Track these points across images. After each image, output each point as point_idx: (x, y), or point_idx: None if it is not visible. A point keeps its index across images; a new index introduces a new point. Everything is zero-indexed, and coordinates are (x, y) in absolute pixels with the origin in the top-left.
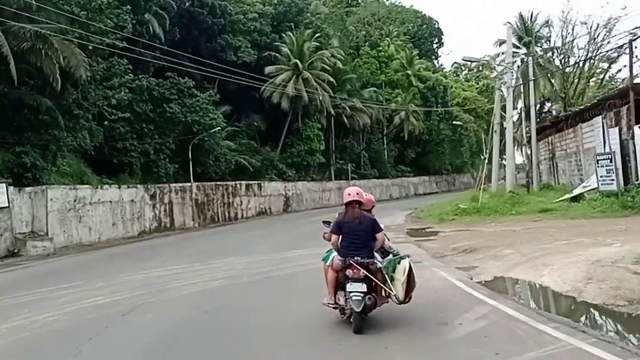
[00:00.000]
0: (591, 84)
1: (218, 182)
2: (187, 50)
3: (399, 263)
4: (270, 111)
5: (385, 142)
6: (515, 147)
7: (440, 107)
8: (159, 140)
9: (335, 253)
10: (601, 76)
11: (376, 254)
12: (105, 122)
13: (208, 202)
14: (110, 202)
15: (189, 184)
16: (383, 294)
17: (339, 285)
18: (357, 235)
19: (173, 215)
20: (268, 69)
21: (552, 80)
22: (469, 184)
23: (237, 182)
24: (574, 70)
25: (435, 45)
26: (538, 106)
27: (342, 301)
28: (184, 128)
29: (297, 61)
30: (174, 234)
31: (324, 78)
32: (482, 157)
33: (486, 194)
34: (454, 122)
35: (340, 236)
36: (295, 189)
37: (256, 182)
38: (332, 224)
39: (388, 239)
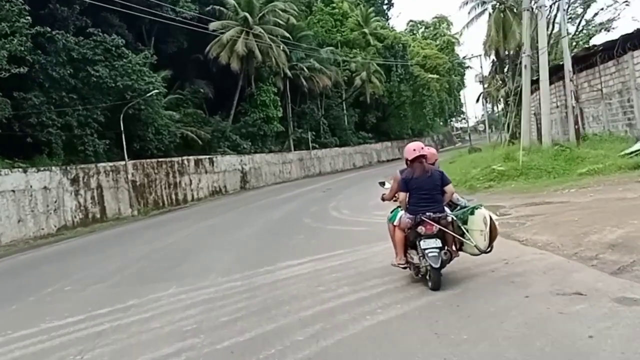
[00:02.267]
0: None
1: (160, 159)
2: (114, 5)
3: (471, 214)
4: (218, 75)
5: (344, 108)
6: (489, 102)
7: (400, 66)
8: (83, 111)
9: (402, 212)
10: (577, 21)
11: (445, 208)
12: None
13: (149, 184)
14: (13, 191)
15: (123, 163)
16: (454, 247)
17: (409, 243)
18: (426, 190)
19: (104, 203)
20: (213, 25)
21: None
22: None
23: (185, 157)
24: (549, 14)
25: (385, 7)
26: (512, 55)
27: (415, 260)
28: (115, 96)
29: (247, 14)
30: (104, 226)
31: (278, 33)
32: (512, 110)
33: (524, 152)
34: (430, 76)
35: (408, 193)
36: (253, 162)
37: (207, 156)
38: (399, 182)
39: None
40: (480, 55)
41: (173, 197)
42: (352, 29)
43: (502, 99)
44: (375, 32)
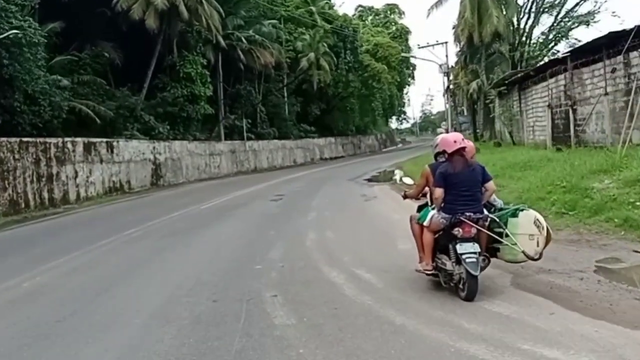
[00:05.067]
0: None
1: (26, 139)
2: None
3: (513, 216)
4: (129, 36)
5: (286, 95)
6: (459, 96)
7: (349, 53)
8: None
9: (434, 211)
10: (554, 12)
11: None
12: None
13: (3, 174)
14: None
15: None
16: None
17: (439, 247)
18: (467, 187)
19: None
20: None
21: (506, 12)
22: (373, 147)
23: (68, 139)
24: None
25: None
26: (486, 42)
27: (448, 265)
28: None
29: None
30: None
31: None
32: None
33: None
34: (403, 54)
35: (443, 190)
36: (170, 151)
37: (104, 140)
38: (428, 176)
39: None
40: (446, 43)
41: (45, 195)
42: (298, 5)
43: (474, 94)
44: (323, 11)
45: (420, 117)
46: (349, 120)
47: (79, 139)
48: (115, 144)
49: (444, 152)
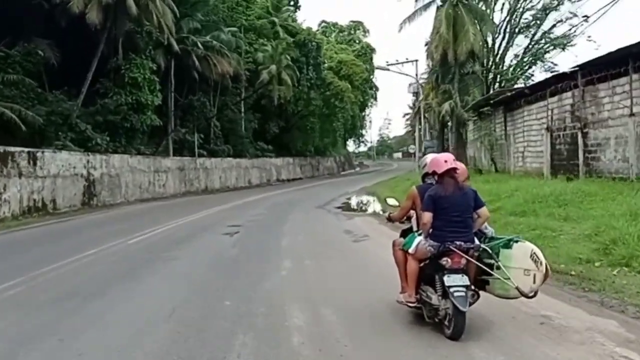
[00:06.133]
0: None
1: None
2: None
3: (506, 247)
4: (69, 33)
5: (243, 110)
6: (430, 118)
7: (312, 69)
8: None
9: (420, 238)
10: (531, 31)
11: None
12: None
13: None
14: None
15: None
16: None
17: (424, 278)
18: (458, 212)
19: None
20: None
21: (482, 29)
22: (332, 170)
23: None
24: (505, 19)
25: (291, 8)
26: (461, 61)
27: (434, 299)
28: None
29: None
30: None
31: None
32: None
33: None
34: (377, 67)
35: (432, 215)
36: (108, 166)
37: (26, 150)
38: (415, 199)
39: None
40: (416, 61)
41: None
42: (260, 15)
43: (445, 115)
44: (286, 24)
45: (378, 140)
46: (309, 140)
47: None
48: (39, 154)
49: (433, 173)
